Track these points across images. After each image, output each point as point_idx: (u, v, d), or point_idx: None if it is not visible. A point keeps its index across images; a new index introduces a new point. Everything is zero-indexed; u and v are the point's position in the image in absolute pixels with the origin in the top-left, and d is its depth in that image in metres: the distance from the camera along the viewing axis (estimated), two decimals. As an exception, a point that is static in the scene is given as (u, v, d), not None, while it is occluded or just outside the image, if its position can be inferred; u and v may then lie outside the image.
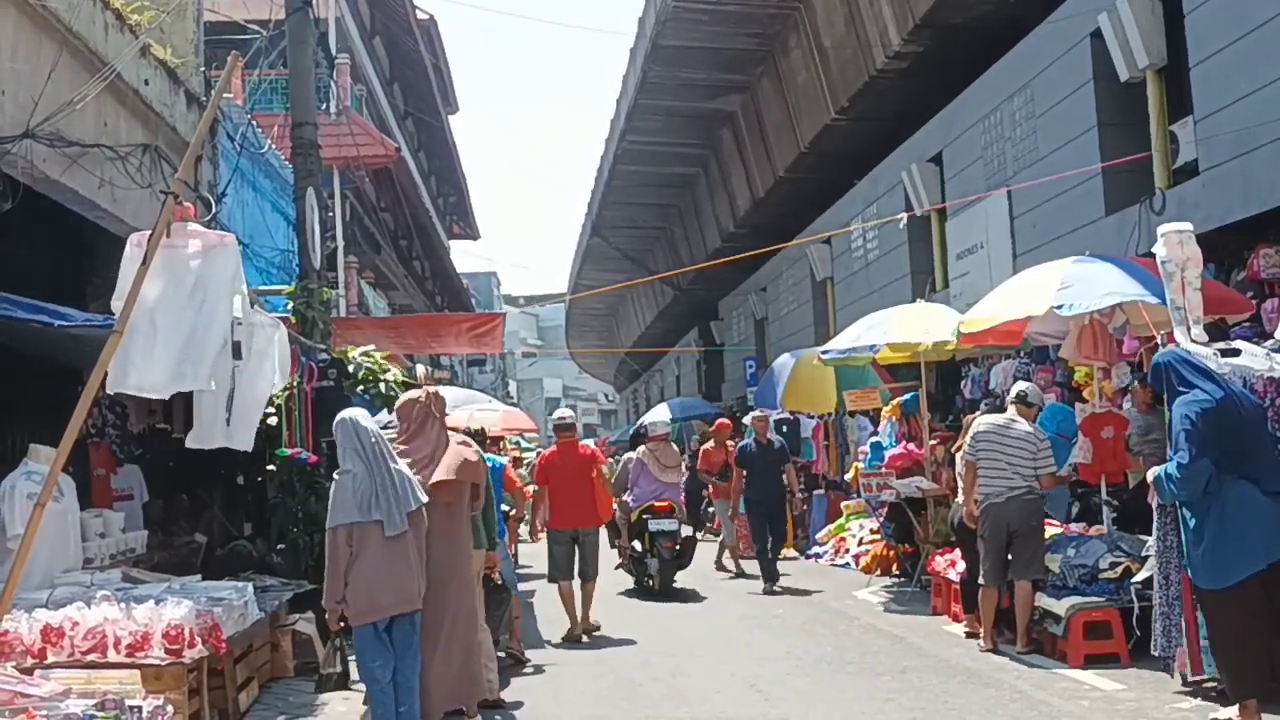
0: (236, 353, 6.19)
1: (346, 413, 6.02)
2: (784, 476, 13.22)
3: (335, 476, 5.83)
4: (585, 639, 9.65)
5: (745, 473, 13.01)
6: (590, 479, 10.28)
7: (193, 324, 5.66)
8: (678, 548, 12.01)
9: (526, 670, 8.31)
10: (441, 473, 6.28)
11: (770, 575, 12.32)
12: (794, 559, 15.49)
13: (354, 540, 5.66)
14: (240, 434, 6.72)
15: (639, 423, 16.34)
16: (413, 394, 6.62)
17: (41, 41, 6.57)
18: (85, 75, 6.94)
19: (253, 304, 6.82)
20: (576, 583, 9.99)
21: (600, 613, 10.20)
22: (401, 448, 6.24)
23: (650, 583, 12.08)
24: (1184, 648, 6.44)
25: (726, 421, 14.70)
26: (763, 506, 12.71)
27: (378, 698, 5.75)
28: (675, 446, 13.81)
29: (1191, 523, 5.93)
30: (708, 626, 10.23)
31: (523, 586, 12.27)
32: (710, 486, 15.32)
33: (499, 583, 7.60)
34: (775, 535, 12.65)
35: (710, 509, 21.75)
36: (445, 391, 8.36)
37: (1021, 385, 8.96)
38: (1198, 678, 6.48)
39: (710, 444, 15.10)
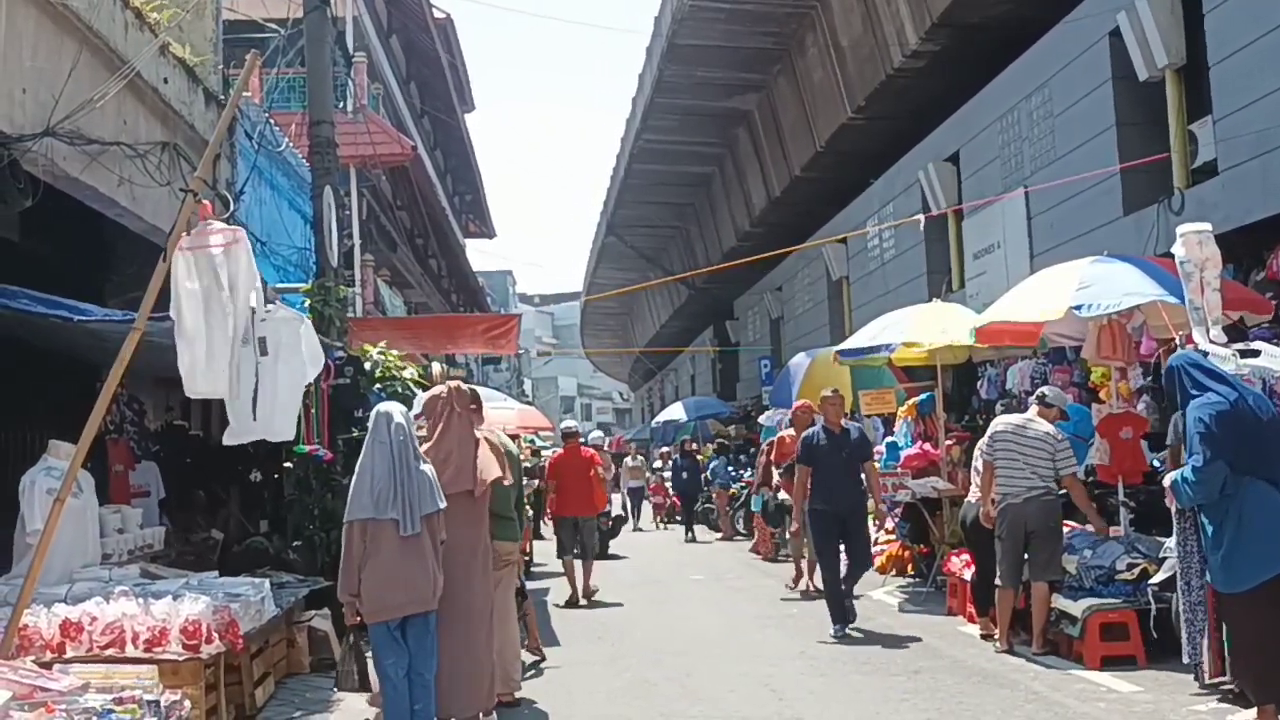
0: (263, 349, 6.22)
1: (383, 406, 6.01)
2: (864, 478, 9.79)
3: (357, 467, 5.84)
4: (585, 603, 11.86)
5: (811, 472, 9.62)
6: (589, 477, 12.39)
7: (235, 328, 5.75)
8: (610, 524, 17.06)
9: (541, 668, 8.32)
10: (477, 476, 6.30)
11: (841, 614, 9.27)
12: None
13: (368, 537, 5.67)
14: (277, 425, 6.71)
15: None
16: (435, 390, 6.60)
17: (62, 40, 6.60)
18: (105, 73, 6.97)
19: (271, 300, 6.84)
20: (578, 565, 12.13)
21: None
22: (426, 445, 6.23)
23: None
24: (1206, 651, 6.42)
25: (808, 404, 11.92)
26: (834, 519, 9.41)
27: (390, 695, 5.76)
28: (608, 454, 18.82)
29: (1209, 528, 5.90)
30: (722, 625, 10.23)
31: (537, 585, 12.33)
32: (774, 480, 13.71)
33: (519, 584, 7.63)
34: (853, 558, 9.58)
35: (709, 506, 21.77)
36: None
37: (1044, 387, 8.97)
38: (1215, 680, 6.45)
39: (791, 431, 12.60)
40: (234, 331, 5.75)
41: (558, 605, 11.73)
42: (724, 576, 14.18)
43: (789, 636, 9.47)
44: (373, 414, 5.94)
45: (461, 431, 6.37)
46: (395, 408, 5.98)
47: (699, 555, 17.70)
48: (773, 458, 13.44)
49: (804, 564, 12.15)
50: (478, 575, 6.37)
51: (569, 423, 14.61)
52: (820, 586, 10.76)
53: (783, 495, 13.32)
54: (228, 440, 6.82)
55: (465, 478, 6.27)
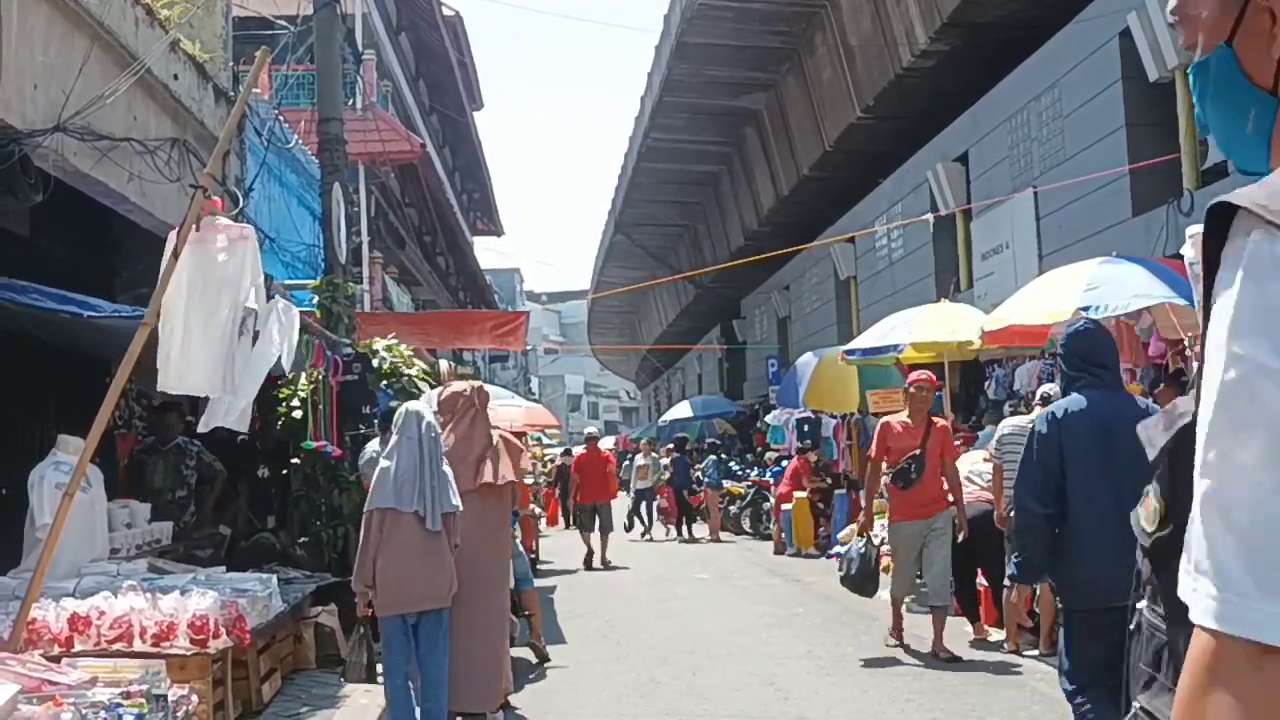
0: (255, 342, 6.24)
1: (413, 405, 6.08)
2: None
3: (381, 460, 5.85)
4: (601, 566, 15.69)
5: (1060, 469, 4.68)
6: (606, 472, 16.85)
7: (224, 324, 5.71)
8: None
9: (548, 667, 8.33)
10: (503, 471, 6.41)
11: None
12: (815, 557, 15.46)
13: (386, 526, 5.69)
14: (240, 416, 6.68)
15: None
16: (456, 387, 6.65)
17: (73, 36, 6.63)
18: (115, 70, 6.99)
19: (272, 295, 6.83)
20: (596, 537, 16.16)
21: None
22: (448, 441, 6.28)
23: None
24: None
25: (928, 375, 8.90)
26: (1112, 620, 3.28)
27: (395, 692, 5.78)
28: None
29: None
30: (728, 625, 10.23)
31: (545, 582, 12.35)
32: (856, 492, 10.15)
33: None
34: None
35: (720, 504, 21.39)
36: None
37: (1046, 386, 8.91)
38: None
39: (899, 416, 8.84)
40: (220, 329, 5.70)
41: (585, 569, 15.49)
42: (730, 576, 14.17)
43: (795, 636, 9.46)
44: (401, 411, 5.97)
45: (481, 430, 6.44)
46: (425, 408, 6.05)
47: (703, 554, 17.69)
48: (874, 456, 8.86)
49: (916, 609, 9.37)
50: (497, 570, 6.50)
51: (590, 429, 19.21)
52: (951, 651, 8.15)
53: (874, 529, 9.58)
54: (200, 428, 6.79)
55: (484, 473, 6.36)
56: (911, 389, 8.71)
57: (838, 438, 17.49)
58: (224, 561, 8.36)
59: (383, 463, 5.81)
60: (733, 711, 6.88)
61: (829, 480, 16.97)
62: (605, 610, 11.37)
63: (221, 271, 5.74)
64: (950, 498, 8.54)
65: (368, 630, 6.27)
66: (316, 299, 9.47)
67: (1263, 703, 0.82)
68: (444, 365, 11.20)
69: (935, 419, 8.75)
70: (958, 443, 11.27)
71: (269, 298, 6.72)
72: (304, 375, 8.47)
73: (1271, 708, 0.82)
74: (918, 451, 8.39)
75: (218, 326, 5.67)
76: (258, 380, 6.81)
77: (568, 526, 20.48)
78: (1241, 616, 0.85)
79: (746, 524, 20.23)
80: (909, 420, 8.58)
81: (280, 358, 6.85)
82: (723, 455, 23.16)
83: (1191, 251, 6.32)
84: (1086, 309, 8.30)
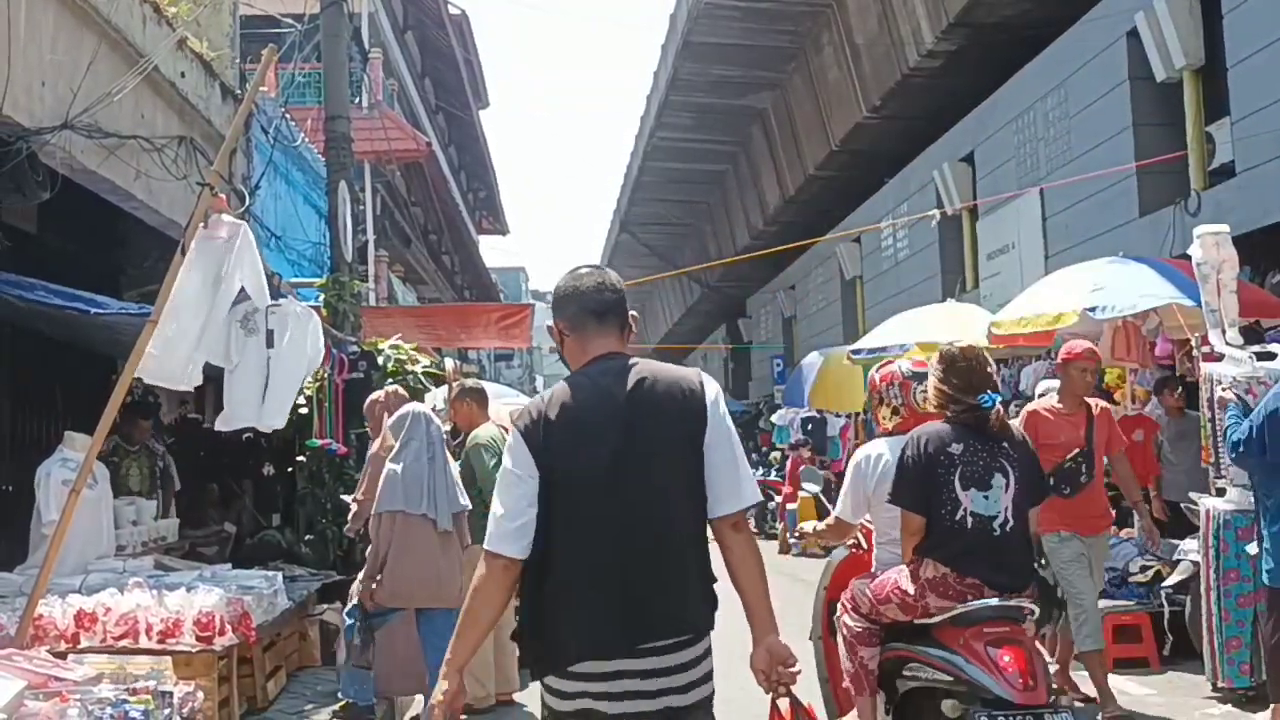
0: (269, 341, 6.26)
1: (417, 406, 6.11)
2: None
3: (389, 463, 5.86)
4: None
5: None
6: None
7: (219, 319, 5.74)
8: None
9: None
10: None
11: None
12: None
13: (396, 530, 5.69)
14: (273, 415, 6.73)
15: None
16: (373, 395, 6.76)
17: (81, 34, 6.64)
18: (123, 67, 7.00)
19: (285, 294, 6.87)
20: None
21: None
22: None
23: None
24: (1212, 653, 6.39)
25: (1088, 347, 6.62)
26: None
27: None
28: None
29: (1263, 519, 5.73)
30: (732, 624, 10.21)
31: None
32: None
33: None
34: None
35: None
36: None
37: (1045, 384, 8.89)
38: (1225, 684, 6.41)
39: (1047, 402, 6.93)
40: (215, 323, 5.74)
41: None
42: (735, 575, 14.20)
43: (799, 634, 9.44)
44: (408, 414, 5.96)
45: None
46: (428, 408, 6.08)
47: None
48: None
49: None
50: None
51: None
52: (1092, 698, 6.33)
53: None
54: (219, 426, 6.82)
55: None
56: (1072, 368, 6.51)
57: (844, 437, 17.49)
58: (229, 559, 8.38)
59: (390, 465, 5.82)
60: (736, 709, 6.87)
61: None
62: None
63: (219, 267, 5.76)
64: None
65: (367, 623, 6.29)
66: (322, 297, 9.49)
67: (482, 574, 3.01)
68: (449, 364, 11.22)
69: (1093, 403, 6.73)
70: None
71: (280, 296, 6.75)
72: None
73: (483, 576, 3.02)
74: (1084, 446, 6.37)
75: (203, 315, 5.69)
76: (295, 384, 6.87)
77: None
78: (490, 541, 2.97)
79: (751, 523, 20.24)
80: (1061, 406, 6.54)
81: (309, 361, 6.92)
82: None
83: (1199, 252, 6.30)
84: (1093, 309, 8.27)
